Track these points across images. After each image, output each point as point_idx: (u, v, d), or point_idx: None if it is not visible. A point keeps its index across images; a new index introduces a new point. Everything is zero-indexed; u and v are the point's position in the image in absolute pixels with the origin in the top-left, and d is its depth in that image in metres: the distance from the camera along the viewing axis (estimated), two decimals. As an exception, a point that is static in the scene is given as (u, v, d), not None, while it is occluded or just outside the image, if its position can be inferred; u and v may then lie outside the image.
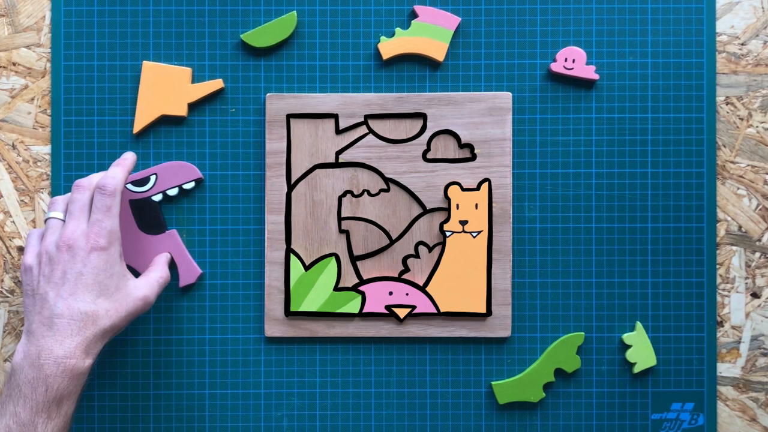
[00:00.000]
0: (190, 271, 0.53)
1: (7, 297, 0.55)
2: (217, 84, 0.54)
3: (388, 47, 0.54)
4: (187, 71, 0.54)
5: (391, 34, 0.54)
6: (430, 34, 0.54)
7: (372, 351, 0.55)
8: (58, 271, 0.45)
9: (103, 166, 0.54)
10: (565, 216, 0.54)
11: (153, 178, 0.53)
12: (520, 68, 0.54)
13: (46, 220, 0.48)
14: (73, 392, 0.44)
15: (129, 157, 0.50)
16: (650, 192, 0.54)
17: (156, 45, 0.54)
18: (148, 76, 0.54)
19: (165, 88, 0.54)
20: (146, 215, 0.53)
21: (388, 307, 0.54)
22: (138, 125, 0.54)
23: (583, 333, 0.54)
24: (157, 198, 0.53)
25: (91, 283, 0.45)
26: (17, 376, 0.43)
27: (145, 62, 0.54)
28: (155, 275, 0.50)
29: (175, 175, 0.53)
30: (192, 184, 0.53)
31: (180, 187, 0.53)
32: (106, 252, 0.45)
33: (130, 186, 0.53)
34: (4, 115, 0.55)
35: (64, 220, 0.47)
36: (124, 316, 0.46)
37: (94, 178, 0.48)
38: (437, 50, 0.54)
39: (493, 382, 0.54)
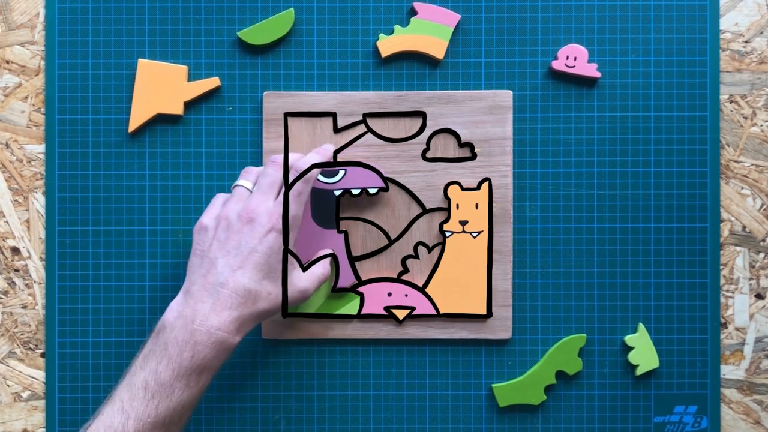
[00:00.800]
0: (347, 276, 0.53)
1: (1, 298, 0.55)
2: (213, 82, 0.53)
3: (387, 45, 0.53)
4: (183, 69, 0.53)
5: (390, 32, 0.54)
6: (429, 32, 0.53)
7: (371, 353, 0.54)
8: (233, 241, 0.44)
9: (98, 166, 0.54)
10: (566, 216, 0.54)
11: (342, 172, 0.52)
12: (520, 66, 0.54)
13: (234, 187, 0.48)
14: (216, 366, 0.43)
15: (329, 148, 0.50)
16: (653, 192, 0.54)
17: (152, 42, 0.54)
18: (143, 75, 0.53)
19: (161, 87, 0.53)
20: (323, 207, 0.53)
21: (387, 309, 0.53)
22: (133, 124, 0.53)
23: (584, 335, 0.54)
24: (338, 193, 0.53)
25: (262, 263, 0.44)
26: (166, 334, 0.42)
27: (140, 60, 0.53)
28: (318, 271, 0.50)
29: (361, 178, 0.53)
30: (375, 190, 0.53)
31: (363, 189, 0.53)
32: (279, 239, 0.45)
33: (318, 175, 0.52)
34: (-3, 114, 0.55)
35: (251, 191, 0.47)
36: (279, 304, 0.46)
37: (291, 158, 0.48)
38: (437, 48, 0.54)
39: (493, 385, 0.53)
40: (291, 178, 0.47)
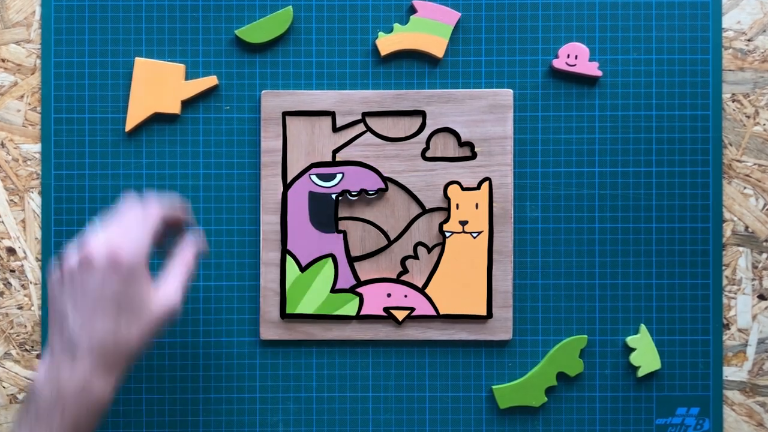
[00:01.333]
0: (348, 278, 0.53)
1: (-3, 299, 0.55)
2: (211, 81, 0.53)
3: (387, 43, 0.53)
4: (180, 68, 0.53)
5: (390, 30, 0.54)
6: (429, 30, 0.53)
7: (370, 354, 0.54)
8: (78, 290, 0.41)
9: (95, 166, 0.54)
10: (567, 216, 0.54)
11: (339, 176, 0.52)
12: (521, 65, 0.54)
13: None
14: (91, 422, 0.42)
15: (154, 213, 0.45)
16: (654, 191, 0.54)
17: (149, 41, 0.54)
18: (140, 73, 0.53)
19: (158, 85, 0.53)
20: (321, 211, 0.53)
21: (386, 310, 0.53)
22: (130, 123, 0.53)
23: (585, 336, 0.53)
24: (336, 195, 0.53)
25: (109, 307, 0.41)
26: (36, 398, 0.41)
27: (137, 59, 0.53)
28: (178, 280, 0.45)
29: (359, 180, 0.53)
30: (374, 193, 0.53)
31: (362, 191, 0.53)
32: (130, 270, 0.41)
33: (314, 178, 0.52)
34: (-7, 113, 0.55)
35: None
36: (147, 332, 0.42)
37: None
38: (437, 46, 0.53)
39: (493, 386, 0.53)
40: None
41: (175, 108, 0.53)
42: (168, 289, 0.44)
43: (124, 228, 0.43)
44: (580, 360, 0.53)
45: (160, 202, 0.45)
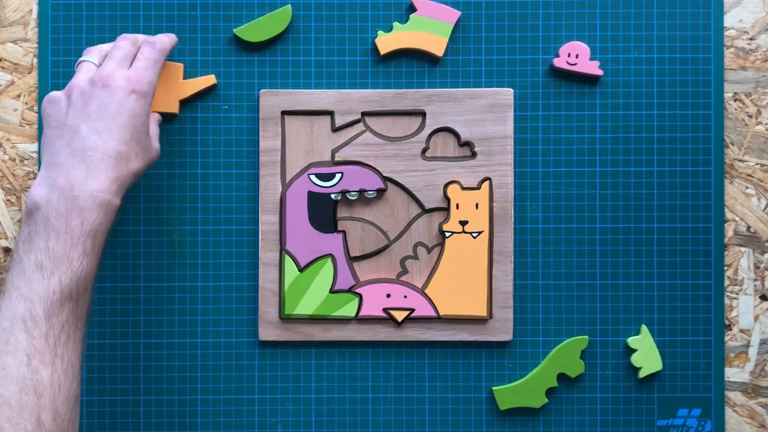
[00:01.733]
0: (347, 278, 0.53)
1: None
2: (209, 80, 0.53)
3: (386, 42, 0.53)
4: (178, 67, 0.53)
5: (389, 29, 0.53)
6: (429, 29, 0.53)
7: (369, 355, 0.54)
8: (93, 105, 0.43)
9: None
10: (568, 216, 0.54)
11: (339, 175, 0.52)
12: (521, 64, 0.54)
13: (78, 63, 0.47)
14: (106, 228, 0.43)
15: (173, 36, 0.50)
16: (656, 191, 0.54)
17: None
18: None
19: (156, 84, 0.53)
20: (320, 211, 0.52)
21: (385, 310, 0.53)
22: None
23: (586, 336, 0.53)
24: (336, 197, 0.52)
25: (127, 124, 0.44)
26: (44, 210, 0.41)
27: None
28: (156, 129, 0.50)
29: (358, 180, 0.52)
30: (374, 193, 0.52)
31: (361, 191, 0.52)
32: (144, 99, 0.45)
33: (313, 178, 0.52)
34: (-11, 112, 0.54)
35: (98, 66, 0.46)
36: (147, 164, 0.46)
37: (140, 37, 0.48)
38: (436, 45, 0.53)
39: (494, 388, 0.53)
40: (146, 47, 0.47)
41: (173, 107, 0.53)
42: (154, 136, 0.49)
43: (136, 59, 0.46)
44: (581, 361, 0.53)
45: (160, 37, 0.48)
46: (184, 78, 0.53)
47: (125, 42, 0.47)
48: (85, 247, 0.41)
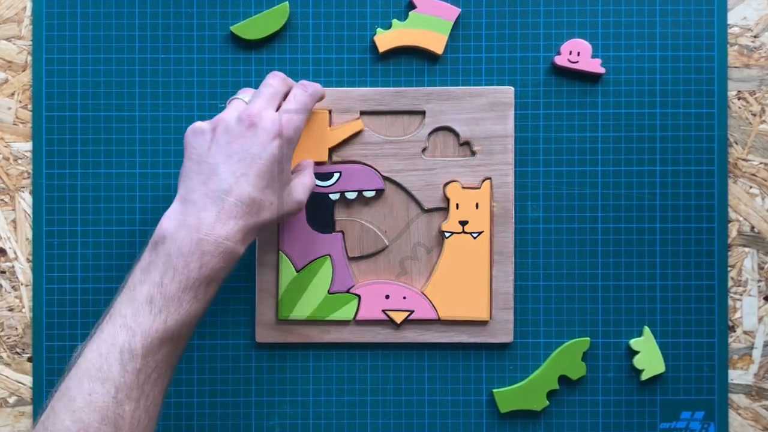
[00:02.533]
0: (345, 279, 0.52)
1: (-13, 301, 0.54)
2: (357, 125, 0.52)
3: (385, 40, 0.52)
4: (324, 114, 0.52)
5: (388, 26, 0.53)
6: (428, 26, 0.53)
7: (368, 357, 0.54)
8: (236, 145, 0.42)
9: (87, 164, 0.53)
10: (569, 216, 0.53)
11: (337, 175, 0.52)
12: (522, 61, 0.53)
13: (230, 101, 0.46)
14: (223, 276, 0.42)
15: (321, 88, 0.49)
16: (658, 191, 0.53)
17: (142, 37, 0.53)
18: None
19: (304, 136, 0.51)
20: (318, 211, 0.52)
21: (384, 312, 0.53)
22: None
23: (588, 338, 0.53)
24: (334, 197, 0.52)
25: (265, 171, 0.42)
26: (167, 245, 0.40)
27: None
28: (308, 181, 0.48)
29: (357, 179, 0.52)
30: (373, 193, 0.52)
31: (360, 192, 0.52)
32: (288, 145, 0.43)
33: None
34: (-17, 111, 0.54)
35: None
36: (280, 215, 0.44)
37: (290, 80, 0.47)
38: (436, 43, 0.53)
39: (494, 390, 0.53)
40: (297, 90, 0.46)
41: (322, 156, 0.52)
42: (299, 186, 0.46)
43: (287, 101, 0.45)
44: (582, 363, 0.53)
45: (313, 84, 0.47)
46: (180, 76, 0.53)
47: (275, 80, 0.46)
48: (197, 292, 0.41)
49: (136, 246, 0.53)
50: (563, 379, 0.53)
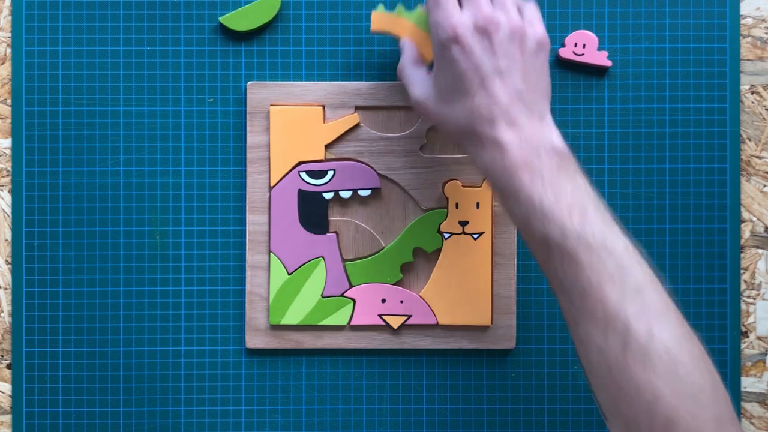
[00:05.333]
0: (340, 282, 0.52)
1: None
2: (352, 119, 0.52)
3: (381, 20, 0.49)
4: (318, 110, 0.52)
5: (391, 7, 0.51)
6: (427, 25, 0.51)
7: (363, 364, 0.53)
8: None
9: (69, 162, 0.53)
10: None
11: (331, 173, 0.51)
12: None
13: None
14: None
15: None
16: (668, 190, 0.53)
17: (127, 29, 0.53)
18: (277, 122, 0.52)
19: (298, 133, 0.52)
20: (311, 211, 0.52)
21: (381, 316, 0.52)
22: (275, 177, 0.52)
23: (445, 210, 0.52)
24: (328, 196, 0.51)
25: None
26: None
27: (272, 108, 0.52)
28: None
29: (353, 177, 0.52)
30: (368, 192, 0.52)
31: (355, 191, 0.51)
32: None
33: (304, 176, 0.51)
34: (-40, 106, 0.54)
35: None
36: None
37: None
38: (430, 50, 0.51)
39: (346, 263, 0.52)
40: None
41: (319, 154, 0.52)
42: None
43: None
44: (438, 235, 0.51)
45: None
46: (167, 70, 0.53)
47: None
48: None
49: (120, 248, 0.53)
50: (420, 253, 0.52)
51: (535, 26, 0.43)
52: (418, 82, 0.46)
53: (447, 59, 0.42)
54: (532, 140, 0.41)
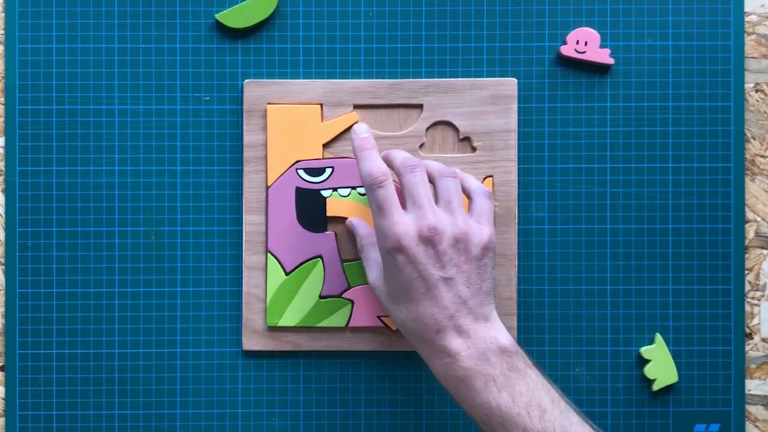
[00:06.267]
0: (338, 283, 0.52)
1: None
2: (351, 118, 0.51)
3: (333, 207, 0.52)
4: (315, 109, 0.51)
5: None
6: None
7: (362, 366, 0.53)
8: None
9: (63, 161, 0.53)
10: (576, 216, 0.53)
11: (329, 170, 0.51)
12: (526, 51, 0.53)
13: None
14: None
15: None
16: (671, 189, 0.53)
17: (122, 26, 0.53)
18: (274, 120, 0.51)
19: (295, 131, 0.51)
20: (309, 209, 0.51)
21: (380, 317, 0.52)
22: (272, 177, 0.51)
23: None
24: (327, 194, 0.51)
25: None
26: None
27: (269, 106, 0.51)
28: None
29: (351, 175, 0.51)
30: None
31: (353, 188, 0.51)
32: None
33: (302, 173, 0.51)
34: (-48, 104, 0.53)
35: None
36: None
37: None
38: (434, 31, 0.51)
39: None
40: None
41: (317, 154, 0.51)
42: None
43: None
44: None
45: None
46: (162, 67, 0.52)
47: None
48: None
49: (115, 248, 0.53)
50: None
51: (482, 227, 0.44)
52: (374, 267, 0.47)
53: (392, 266, 0.43)
54: (479, 345, 0.42)
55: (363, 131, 0.46)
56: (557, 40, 0.53)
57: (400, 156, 0.45)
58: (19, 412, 0.52)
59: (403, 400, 0.53)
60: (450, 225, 0.43)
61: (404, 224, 0.42)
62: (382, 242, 0.43)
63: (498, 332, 0.43)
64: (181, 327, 0.53)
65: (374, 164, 0.44)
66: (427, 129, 0.52)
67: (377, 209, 0.43)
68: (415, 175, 0.44)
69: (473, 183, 0.47)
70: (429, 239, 0.42)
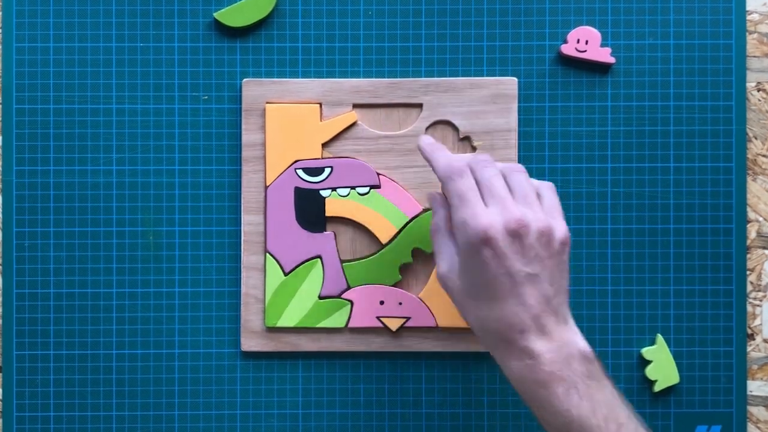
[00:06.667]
0: (337, 283, 0.51)
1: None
2: (350, 117, 0.51)
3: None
4: (314, 108, 0.51)
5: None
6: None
7: (361, 367, 0.53)
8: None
9: (61, 161, 0.52)
10: (577, 216, 0.53)
11: (328, 170, 0.51)
12: (527, 50, 0.53)
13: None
14: None
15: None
16: (672, 189, 0.53)
17: (119, 25, 0.52)
18: (273, 120, 0.51)
19: (294, 131, 0.51)
20: (308, 209, 0.51)
21: (379, 318, 0.52)
22: (270, 177, 0.51)
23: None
24: (326, 193, 0.51)
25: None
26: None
27: (268, 105, 0.51)
28: None
29: (351, 174, 0.51)
30: (367, 189, 0.51)
31: (352, 188, 0.51)
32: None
33: (301, 173, 0.51)
34: (-51, 103, 0.53)
35: None
36: None
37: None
38: (434, 30, 0.51)
39: (344, 264, 0.51)
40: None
41: (316, 153, 0.51)
42: None
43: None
44: None
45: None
46: (159, 66, 0.52)
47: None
48: None
49: (113, 248, 0.53)
50: (419, 254, 0.51)
51: (558, 221, 0.42)
52: (447, 258, 0.43)
53: (476, 260, 0.40)
54: (562, 349, 0.40)
55: (430, 139, 0.45)
56: (558, 39, 0.53)
57: (467, 155, 0.44)
58: (16, 413, 0.52)
59: (403, 401, 0.53)
60: (533, 219, 0.41)
61: (489, 216, 0.40)
62: (465, 235, 0.40)
63: (578, 336, 0.41)
64: (180, 328, 0.53)
65: (452, 157, 0.43)
66: (427, 128, 0.52)
67: (459, 200, 0.41)
68: (489, 170, 0.42)
69: (536, 180, 0.45)
70: (516, 232, 0.40)
